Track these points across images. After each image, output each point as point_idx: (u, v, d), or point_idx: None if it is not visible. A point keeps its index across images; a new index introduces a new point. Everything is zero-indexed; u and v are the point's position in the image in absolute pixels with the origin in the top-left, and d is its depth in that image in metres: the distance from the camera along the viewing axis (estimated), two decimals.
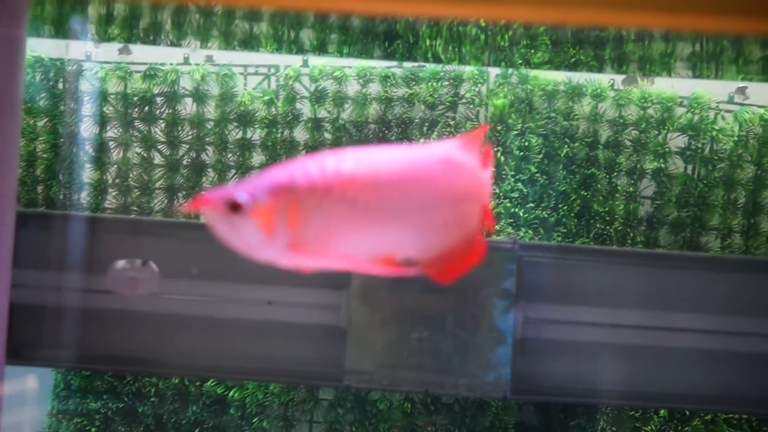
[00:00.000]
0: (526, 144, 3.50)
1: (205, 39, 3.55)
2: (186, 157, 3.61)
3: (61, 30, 3.57)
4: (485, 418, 3.53)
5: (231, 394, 3.58)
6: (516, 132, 3.51)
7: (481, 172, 1.66)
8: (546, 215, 3.50)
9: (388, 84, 3.55)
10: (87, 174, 3.62)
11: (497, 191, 3.48)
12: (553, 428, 3.55)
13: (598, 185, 3.52)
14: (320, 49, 3.55)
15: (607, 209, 3.51)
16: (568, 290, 3.21)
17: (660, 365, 3.21)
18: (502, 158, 3.49)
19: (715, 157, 3.52)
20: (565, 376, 3.21)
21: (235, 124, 3.60)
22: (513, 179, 3.51)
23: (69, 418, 3.63)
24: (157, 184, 3.62)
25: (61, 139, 3.60)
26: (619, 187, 3.53)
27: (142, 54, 3.61)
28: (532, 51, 3.51)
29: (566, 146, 3.52)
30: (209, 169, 3.61)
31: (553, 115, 3.53)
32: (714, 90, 3.53)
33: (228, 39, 3.54)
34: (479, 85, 3.55)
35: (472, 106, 3.55)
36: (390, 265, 1.55)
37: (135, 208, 3.62)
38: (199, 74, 3.58)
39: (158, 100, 3.61)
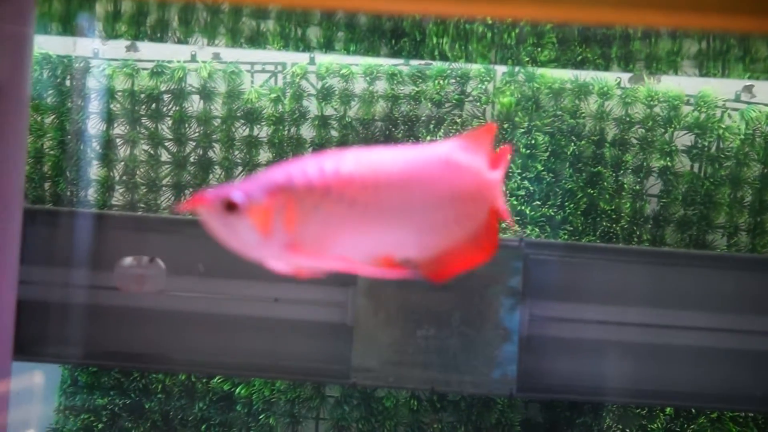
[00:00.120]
0: (533, 142, 3.51)
1: (212, 36, 3.56)
2: (193, 154, 3.62)
3: (68, 27, 3.58)
4: (491, 415, 3.53)
5: (238, 390, 3.59)
6: (522, 130, 3.51)
7: (485, 172, 1.64)
8: (552, 213, 3.50)
9: (395, 82, 3.56)
10: (94, 171, 3.62)
11: (503, 189, 3.48)
12: (559, 426, 3.55)
13: (605, 183, 3.52)
14: (327, 46, 3.55)
15: (613, 207, 3.51)
16: (574, 288, 3.21)
17: (666, 363, 3.21)
18: (509, 156, 3.49)
19: (722, 156, 3.52)
20: (571, 374, 3.22)
21: (242, 121, 3.60)
22: (519, 177, 3.51)
23: (76, 414, 3.63)
24: (164, 181, 3.63)
25: (69, 136, 3.61)
26: (625, 185, 3.53)
27: (150, 51, 3.61)
28: (539, 49, 3.51)
29: (573, 144, 3.52)
30: (216, 166, 3.61)
31: (559, 113, 3.53)
32: (721, 88, 3.52)
33: (235, 36, 3.55)
34: (486, 83, 3.55)
35: (478, 103, 3.55)
36: (388, 267, 1.54)
37: (142, 205, 3.63)
38: (206, 71, 3.58)
39: (165, 97, 3.61)
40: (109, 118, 3.60)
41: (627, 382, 3.23)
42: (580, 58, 3.52)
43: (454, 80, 3.56)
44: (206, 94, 3.60)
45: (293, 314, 3.23)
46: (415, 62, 3.57)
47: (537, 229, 3.49)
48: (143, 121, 3.62)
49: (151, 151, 3.63)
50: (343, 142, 3.56)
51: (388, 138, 3.55)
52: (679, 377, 3.22)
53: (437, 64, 3.56)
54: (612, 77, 3.54)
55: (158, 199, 3.62)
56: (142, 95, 3.60)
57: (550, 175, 3.51)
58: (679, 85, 3.53)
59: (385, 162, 1.53)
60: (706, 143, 3.52)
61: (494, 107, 3.56)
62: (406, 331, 3.16)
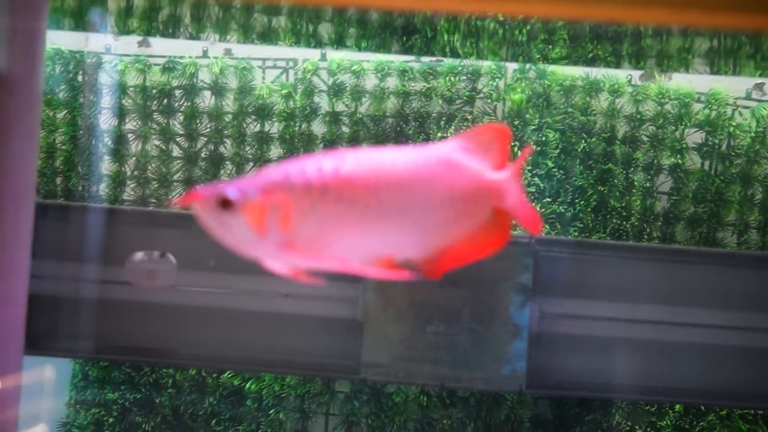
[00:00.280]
0: (544, 139, 3.51)
1: (224, 32, 3.57)
2: (204, 150, 3.63)
3: (80, 22, 3.59)
4: (500, 411, 3.53)
5: (248, 385, 3.60)
6: (533, 127, 3.51)
7: (486, 173, 1.63)
8: (563, 210, 3.50)
9: (406, 78, 3.56)
10: (106, 166, 3.63)
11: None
12: (568, 422, 3.55)
13: (615, 180, 3.52)
14: (338, 43, 3.56)
15: (623, 204, 3.51)
16: (584, 285, 3.21)
17: (675, 360, 3.21)
18: (519, 153, 3.49)
19: (732, 153, 3.52)
20: (580, 371, 3.22)
21: (253, 117, 3.61)
22: (530, 174, 3.51)
23: (86, 408, 3.65)
24: (175, 177, 3.63)
25: (80, 131, 3.62)
26: (636, 183, 3.53)
27: (162, 47, 3.62)
28: (550, 46, 3.51)
29: (583, 141, 3.52)
30: (227, 162, 3.62)
31: (570, 110, 3.53)
32: (731, 86, 3.52)
33: (247, 32, 3.56)
34: (497, 79, 3.56)
35: (489, 100, 3.56)
36: (387, 267, 1.54)
37: (153, 200, 3.63)
38: (217, 67, 3.59)
39: (177, 92, 3.62)
40: (121, 114, 3.61)
41: (636, 379, 3.23)
42: (591, 55, 3.52)
43: (465, 77, 3.56)
44: (218, 89, 3.61)
45: (303, 310, 3.23)
46: (426, 59, 3.58)
47: (547, 226, 3.49)
48: (155, 116, 3.63)
49: (163, 147, 3.63)
50: (353, 139, 3.57)
51: (398, 134, 3.56)
52: (688, 374, 3.22)
53: (448, 61, 3.56)
54: (623, 74, 3.54)
55: (169, 195, 3.63)
56: (154, 91, 3.61)
57: (561, 172, 3.51)
58: (690, 82, 3.53)
59: (386, 163, 1.53)
60: (716, 141, 3.52)
61: (505, 104, 3.56)
62: (416, 327, 3.16)
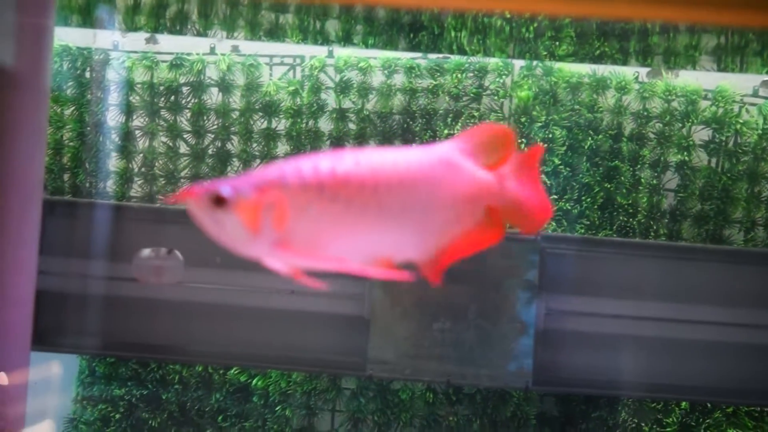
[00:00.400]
0: (550, 136, 3.51)
1: (231, 29, 3.57)
2: (211, 147, 3.63)
3: (88, 19, 3.59)
4: (507, 408, 3.54)
5: (254, 382, 3.60)
6: (540, 124, 3.51)
7: (477, 172, 1.62)
8: (569, 207, 3.50)
9: (413, 75, 3.56)
10: (113, 162, 3.64)
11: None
12: (574, 419, 3.55)
13: (622, 178, 3.52)
14: (345, 39, 3.56)
15: (630, 202, 3.51)
16: (590, 282, 3.21)
17: (682, 358, 3.21)
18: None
19: (739, 150, 3.51)
20: (587, 368, 3.22)
21: (260, 114, 3.61)
22: None
23: (93, 404, 3.65)
24: (183, 173, 3.64)
25: (88, 128, 3.62)
26: (642, 180, 3.53)
27: (169, 44, 3.62)
28: (557, 43, 3.51)
29: (590, 138, 3.52)
30: (234, 159, 3.62)
31: (577, 107, 3.52)
32: (738, 83, 3.52)
33: (254, 29, 3.56)
34: (504, 76, 3.56)
35: (496, 97, 3.56)
36: (385, 268, 1.53)
37: (160, 197, 3.64)
38: (224, 64, 3.59)
39: (184, 89, 3.62)
40: (128, 110, 3.62)
41: (642, 377, 3.23)
42: (598, 52, 3.52)
43: (472, 74, 3.56)
44: (225, 86, 3.61)
45: (310, 306, 3.23)
46: (433, 56, 3.58)
47: (554, 223, 3.49)
48: (162, 113, 3.63)
49: (170, 143, 3.64)
50: (360, 136, 3.57)
51: (405, 131, 3.56)
52: (694, 372, 3.22)
53: (455, 58, 3.56)
54: (630, 72, 3.54)
55: (177, 191, 3.63)
56: (161, 87, 3.62)
57: (567, 169, 3.51)
58: (697, 79, 3.52)
59: (386, 164, 1.51)
60: (723, 138, 3.52)
61: (512, 101, 3.56)
62: (423, 323, 3.17)
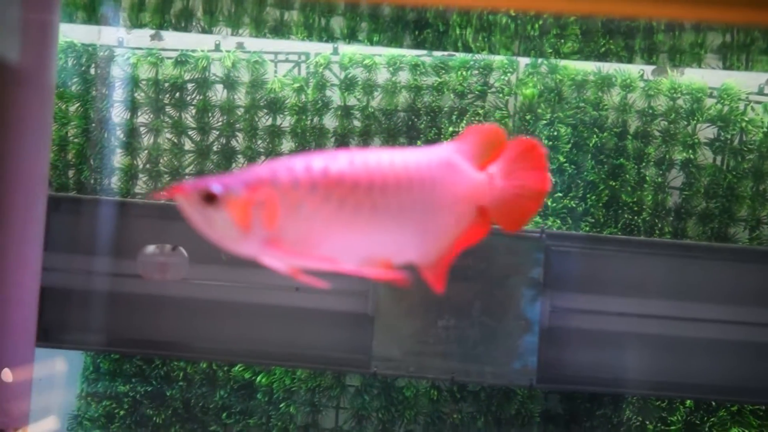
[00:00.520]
0: (555, 134, 3.50)
1: (236, 26, 3.57)
2: (216, 143, 3.63)
3: (93, 16, 3.60)
4: (511, 406, 3.54)
5: (258, 379, 3.60)
6: (545, 122, 3.51)
7: (471, 172, 1.61)
8: (574, 205, 3.50)
9: (418, 72, 3.56)
10: (118, 159, 3.64)
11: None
12: (579, 417, 3.55)
13: (627, 175, 3.52)
14: (350, 37, 3.56)
15: (635, 199, 3.51)
16: (595, 280, 3.21)
17: (686, 355, 3.21)
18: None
19: (745, 149, 3.51)
20: (591, 366, 3.22)
21: (265, 110, 3.61)
22: None
23: (98, 400, 3.66)
24: (187, 170, 3.64)
25: (93, 124, 3.62)
26: (647, 178, 3.52)
27: (174, 40, 3.62)
28: (562, 41, 3.51)
29: (595, 136, 3.51)
30: (239, 156, 3.63)
31: (582, 105, 3.52)
32: (744, 81, 3.52)
33: (259, 26, 3.56)
34: (509, 74, 3.55)
35: (501, 95, 3.55)
36: (380, 268, 1.51)
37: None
38: (229, 61, 3.59)
39: (189, 86, 3.62)
40: (133, 107, 3.62)
41: (647, 374, 3.23)
42: (603, 50, 3.52)
43: (477, 71, 3.56)
44: (230, 83, 3.61)
45: (314, 303, 3.23)
46: (438, 53, 3.58)
47: (558, 221, 3.49)
48: (167, 109, 3.63)
49: (175, 140, 3.64)
50: (365, 133, 3.57)
51: (410, 129, 3.56)
52: (699, 370, 3.22)
53: (460, 56, 3.56)
54: (635, 69, 3.53)
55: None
56: (166, 84, 3.62)
57: (572, 166, 3.51)
58: (703, 77, 3.52)
59: (383, 164, 1.49)
60: (728, 136, 3.51)
61: (517, 99, 3.56)
62: (427, 321, 3.17)
